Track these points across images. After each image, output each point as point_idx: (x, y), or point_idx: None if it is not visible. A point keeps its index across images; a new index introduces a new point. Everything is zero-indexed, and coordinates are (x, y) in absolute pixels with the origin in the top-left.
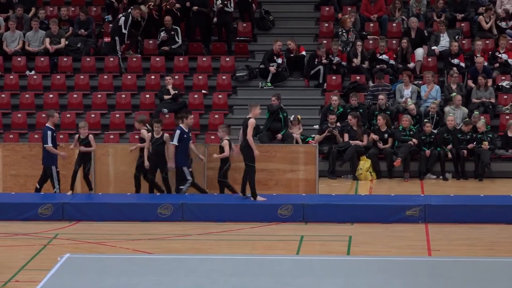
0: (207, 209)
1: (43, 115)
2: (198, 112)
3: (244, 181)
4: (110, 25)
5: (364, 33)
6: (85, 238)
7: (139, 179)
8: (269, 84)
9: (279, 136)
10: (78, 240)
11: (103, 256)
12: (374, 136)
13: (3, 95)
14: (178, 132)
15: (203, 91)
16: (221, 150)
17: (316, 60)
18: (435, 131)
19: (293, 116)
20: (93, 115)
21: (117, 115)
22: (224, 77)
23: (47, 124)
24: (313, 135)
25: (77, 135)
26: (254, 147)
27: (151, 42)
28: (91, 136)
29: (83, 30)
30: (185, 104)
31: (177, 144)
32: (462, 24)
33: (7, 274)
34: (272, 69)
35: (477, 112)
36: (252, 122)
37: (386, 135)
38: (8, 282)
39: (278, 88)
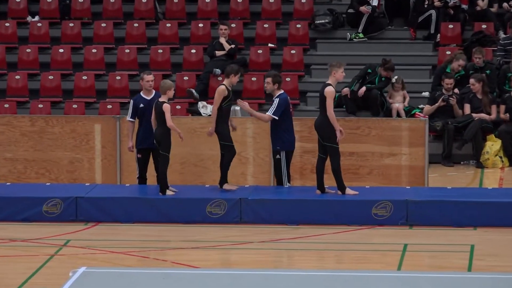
0: (274, 206)
1: (50, 77)
2: (262, 73)
3: (319, 170)
4: None
5: None
6: (106, 246)
7: None
8: (360, 35)
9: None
10: (96, 248)
11: (130, 271)
12: (503, 116)
13: None
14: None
15: (269, 45)
16: None
17: (426, 2)
18: None
19: (395, 77)
20: (118, 77)
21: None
22: (298, 26)
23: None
24: (421, 106)
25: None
26: (336, 124)
27: None
28: None
29: None
30: (244, 62)
31: None
32: None
33: None
34: (365, 9)
35: None
36: (330, 91)
37: None
38: None
39: (373, 41)
